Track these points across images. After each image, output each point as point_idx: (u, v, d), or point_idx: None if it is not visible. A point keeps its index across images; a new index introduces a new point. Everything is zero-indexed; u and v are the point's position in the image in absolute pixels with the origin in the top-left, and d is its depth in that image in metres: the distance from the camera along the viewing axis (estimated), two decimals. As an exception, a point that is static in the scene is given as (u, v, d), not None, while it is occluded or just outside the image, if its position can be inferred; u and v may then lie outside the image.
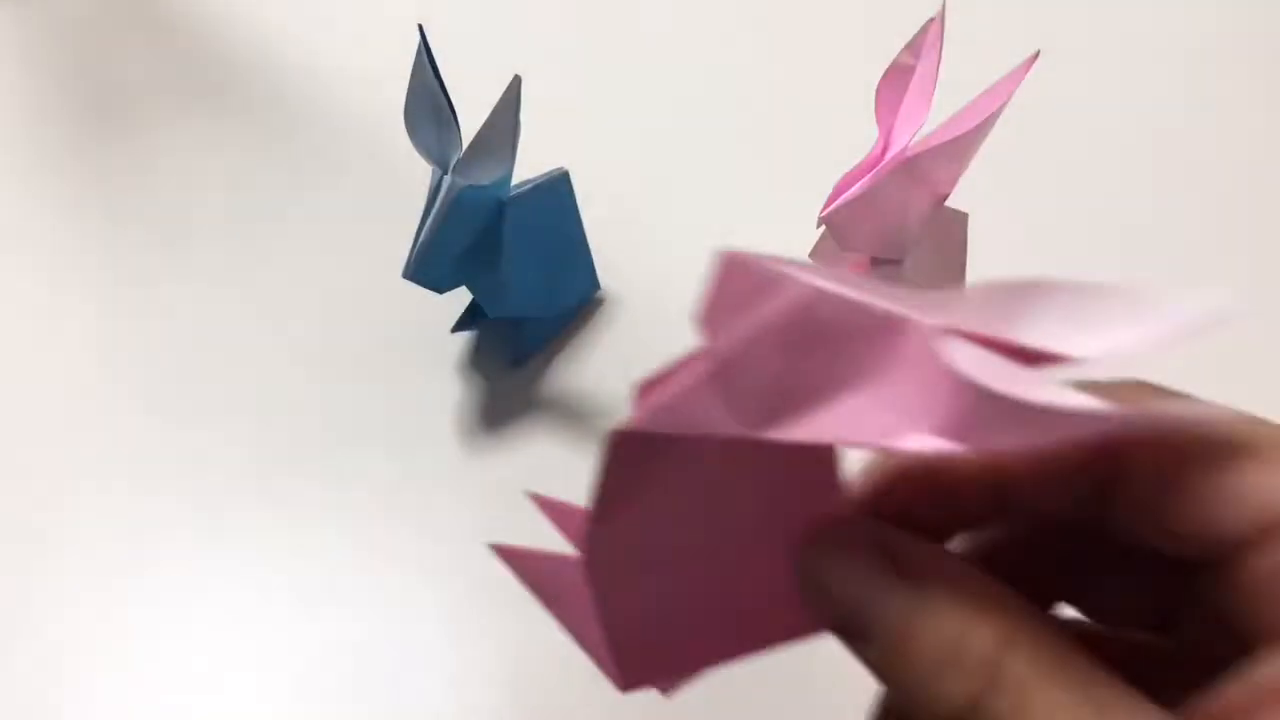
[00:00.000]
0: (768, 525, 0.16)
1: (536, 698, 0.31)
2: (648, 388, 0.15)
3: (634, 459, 0.15)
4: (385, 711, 0.31)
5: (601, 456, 0.15)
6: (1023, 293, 0.13)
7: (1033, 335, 0.12)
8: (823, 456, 0.15)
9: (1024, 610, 0.13)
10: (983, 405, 0.12)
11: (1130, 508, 0.14)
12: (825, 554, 0.15)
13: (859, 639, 0.14)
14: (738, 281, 0.14)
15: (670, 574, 0.16)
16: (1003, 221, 0.36)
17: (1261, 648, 0.13)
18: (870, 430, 0.13)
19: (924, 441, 0.12)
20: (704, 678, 0.18)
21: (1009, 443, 0.12)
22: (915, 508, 0.15)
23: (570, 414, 0.37)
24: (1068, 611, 0.17)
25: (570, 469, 0.36)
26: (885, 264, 0.32)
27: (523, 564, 0.19)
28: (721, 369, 0.14)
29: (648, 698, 0.32)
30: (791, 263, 0.14)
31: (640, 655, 0.17)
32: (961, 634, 0.13)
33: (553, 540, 0.19)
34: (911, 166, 0.30)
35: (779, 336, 0.14)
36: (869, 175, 0.30)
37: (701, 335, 0.14)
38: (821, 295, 0.13)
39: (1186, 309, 0.12)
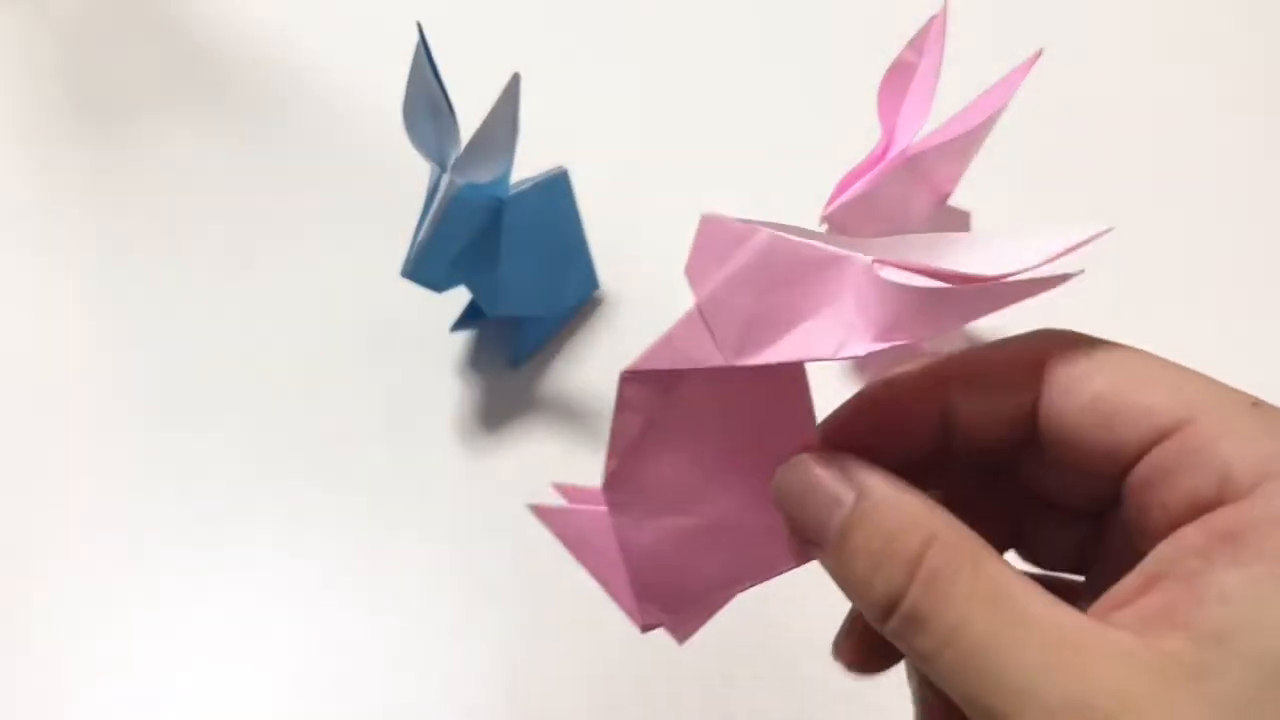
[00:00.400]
0: (757, 464, 0.18)
1: (533, 697, 0.31)
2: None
3: (641, 400, 0.18)
4: (383, 710, 0.31)
5: (616, 400, 0.18)
6: (939, 239, 0.17)
7: (947, 263, 0.16)
8: (798, 401, 0.18)
9: (946, 519, 0.16)
10: (907, 301, 0.15)
11: (1049, 429, 0.17)
12: (791, 474, 0.18)
13: (817, 546, 0.17)
14: (716, 237, 0.17)
15: (679, 513, 0.19)
16: (1005, 220, 0.35)
17: (1149, 546, 0.16)
18: (826, 346, 0.16)
19: (868, 346, 0.16)
20: (712, 620, 0.20)
21: (932, 327, 0.15)
22: (876, 442, 0.18)
23: (569, 413, 0.37)
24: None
25: (570, 468, 0.36)
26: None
27: (556, 518, 0.21)
28: (705, 309, 0.17)
29: (645, 697, 0.32)
30: (760, 221, 0.17)
31: (657, 593, 0.20)
32: (893, 538, 0.16)
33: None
34: (913, 165, 0.29)
35: (748, 277, 0.17)
36: (871, 173, 0.30)
37: (690, 285, 0.17)
38: (778, 240, 0.16)
39: (1064, 236, 0.15)
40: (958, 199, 0.33)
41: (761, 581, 0.20)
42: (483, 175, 0.32)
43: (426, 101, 0.32)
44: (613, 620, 0.32)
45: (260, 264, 0.42)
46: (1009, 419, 0.17)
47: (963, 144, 0.29)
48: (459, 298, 0.37)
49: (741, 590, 0.20)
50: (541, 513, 0.21)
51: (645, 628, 0.21)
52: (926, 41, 0.29)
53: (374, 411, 0.38)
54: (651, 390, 0.18)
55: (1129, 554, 0.16)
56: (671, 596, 0.20)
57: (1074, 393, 0.17)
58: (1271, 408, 0.16)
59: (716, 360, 0.17)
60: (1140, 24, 0.50)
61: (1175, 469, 0.15)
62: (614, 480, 0.19)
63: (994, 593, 0.15)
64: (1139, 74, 0.47)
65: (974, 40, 0.36)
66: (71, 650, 0.33)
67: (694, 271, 0.17)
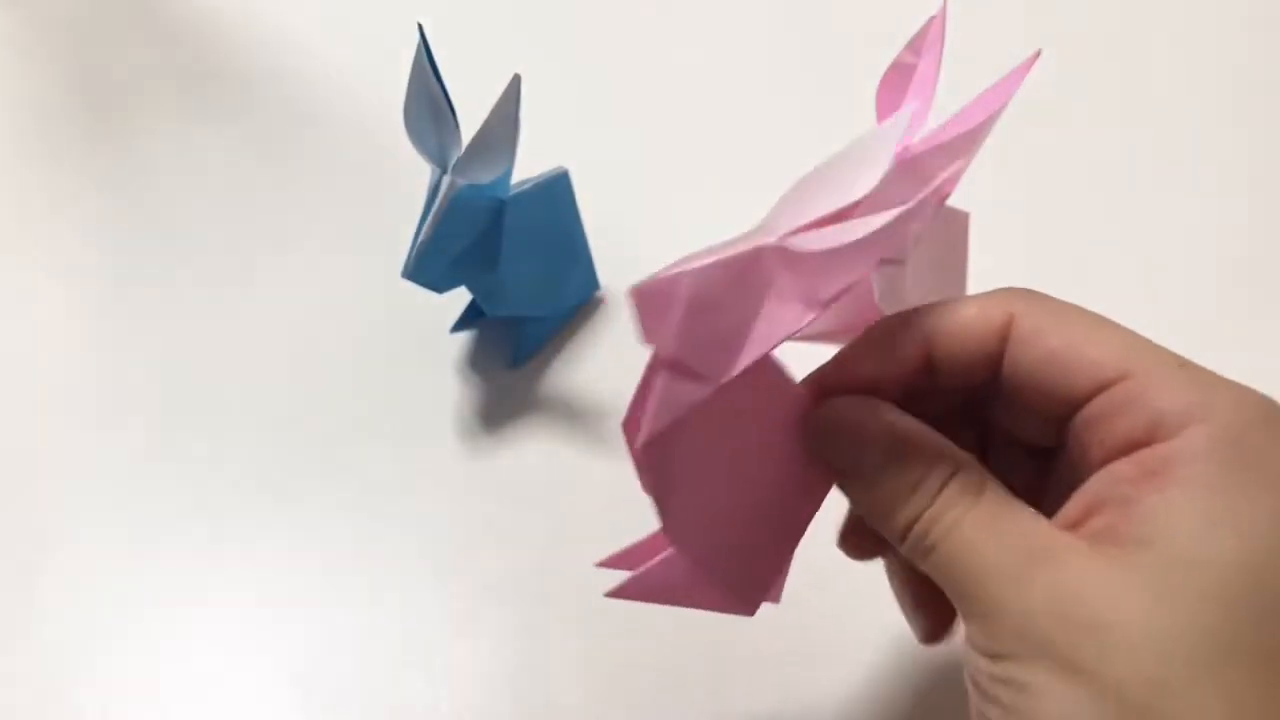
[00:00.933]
0: (767, 443, 0.21)
1: (536, 697, 0.31)
2: (630, 419, 0.20)
3: (660, 459, 0.20)
4: (384, 711, 0.31)
5: (637, 469, 0.20)
6: (800, 190, 0.20)
7: (823, 208, 0.19)
8: (776, 377, 0.21)
9: (962, 457, 0.20)
10: (819, 259, 0.18)
11: (1011, 374, 0.20)
12: (826, 418, 0.21)
13: (852, 478, 0.21)
14: (652, 300, 0.19)
15: (728, 520, 0.22)
16: (1004, 221, 0.35)
17: (1087, 476, 0.19)
18: (785, 327, 0.19)
19: (816, 309, 0.19)
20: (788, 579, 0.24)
21: (849, 269, 0.18)
22: (873, 386, 0.21)
23: (570, 414, 0.37)
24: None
25: (570, 469, 0.36)
26: (886, 264, 0.32)
27: (631, 589, 0.23)
28: (673, 359, 0.19)
29: (647, 695, 0.32)
30: (682, 260, 0.19)
31: (746, 583, 0.23)
32: (927, 468, 0.20)
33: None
34: (913, 165, 0.29)
35: (695, 313, 0.19)
36: (870, 174, 0.30)
37: (652, 349, 0.19)
38: (699, 272, 0.19)
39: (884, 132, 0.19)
40: (958, 199, 0.33)
41: (805, 529, 0.23)
42: (483, 176, 0.32)
43: (427, 102, 0.32)
44: (613, 619, 0.33)
45: (260, 264, 0.43)
46: (980, 363, 0.21)
47: (963, 144, 0.29)
48: (459, 298, 0.37)
49: (798, 542, 0.23)
50: (618, 593, 0.23)
51: (753, 613, 0.24)
52: (925, 42, 0.29)
53: (374, 411, 0.38)
54: (664, 446, 0.20)
55: (1070, 489, 0.20)
56: (756, 579, 0.24)
57: (1034, 345, 0.20)
58: (1195, 367, 0.19)
59: (706, 392, 0.19)
60: (1141, 23, 0.50)
61: (1115, 413, 0.19)
62: (669, 527, 0.21)
63: (996, 507, 0.19)
64: (1140, 73, 0.47)
65: (973, 40, 0.36)
66: (70, 649, 0.33)
67: (650, 336, 0.19)
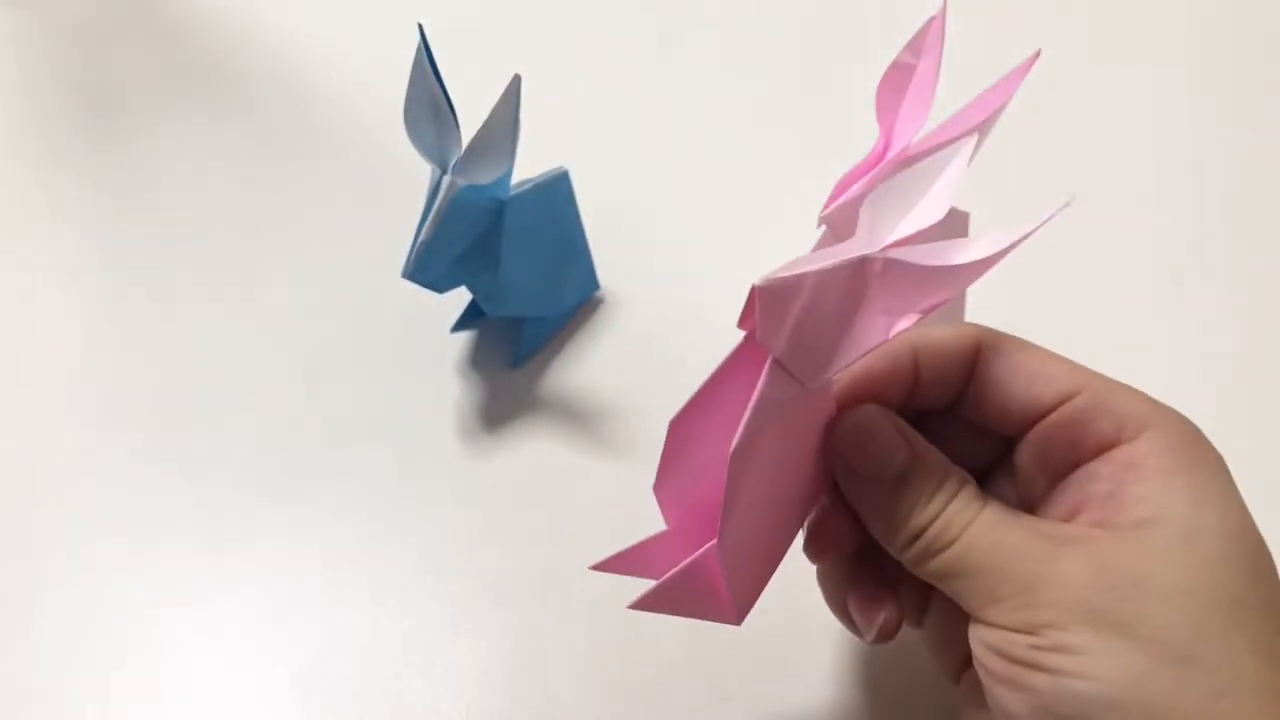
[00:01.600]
0: (802, 455, 0.22)
1: (536, 697, 0.31)
2: (690, 418, 0.21)
3: (740, 467, 0.20)
4: (384, 710, 0.31)
5: (728, 481, 0.20)
6: (883, 198, 0.20)
7: (910, 227, 0.20)
8: (828, 396, 0.22)
9: (965, 475, 0.23)
10: (923, 275, 0.19)
11: (976, 392, 0.23)
12: (858, 426, 0.22)
13: (872, 482, 0.22)
14: (775, 297, 0.19)
15: (755, 527, 0.22)
16: (1004, 221, 0.35)
17: (1047, 481, 0.23)
18: (868, 341, 0.20)
19: (910, 319, 0.19)
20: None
21: (940, 294, 0.19)
22: (879, 398, 0.23)
23: (569, 413, 0.37)
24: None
25: (570, 469, 0.36)
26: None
27: (653, 600, 0.23)
28: (781, 356, 0.19)
29: (645, 695, 0.32)
30: (791, 264, 0.19)
31: (746, 595, 0.24)
32: (942, 480, 0.22)
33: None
34: (910, 165, 0.29)
35: (805, 316, 0.19)
36: (870, 174, 0.30)
37: (767, 347, 0.19)
38: (822, 274, 0.19)
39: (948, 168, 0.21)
40: (957, 199, 0.33)
41: (792, 542, 0.24)
42: (483, 176, 0.32)
43: (427, 103, 0.32)
44: (612, 619, 0.33)
45: (260, 264, 0.43)
46: (955, 376, 0.23)
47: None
48: (459, 298, 0.37)
49: (783, 557, 0.24)
50: (639, 605, 0.23)
51: (740, 621, 0.24)
52: (925, 43, 0.29)
53: (374, 411, 0.38)
54: (747, 451, 0.20)
55: (1022, 474, 0.23)
56: (752, 590, 0.24)
57: (1001, 361, 0.23)
58: (1130, 385, 0.22)
59: (796, 396, 0.20)
60: (1141, 23, 0.50)
61: (1084, 419, 0.22)
62: (723, 536, 0.22)
63: (1004, 510, 0.21)
64: (1141, 73, 0.47)
65: (973, 41, 0.36)
66: (71, 650, 0.33)
67: (766, 335, 0.19)
